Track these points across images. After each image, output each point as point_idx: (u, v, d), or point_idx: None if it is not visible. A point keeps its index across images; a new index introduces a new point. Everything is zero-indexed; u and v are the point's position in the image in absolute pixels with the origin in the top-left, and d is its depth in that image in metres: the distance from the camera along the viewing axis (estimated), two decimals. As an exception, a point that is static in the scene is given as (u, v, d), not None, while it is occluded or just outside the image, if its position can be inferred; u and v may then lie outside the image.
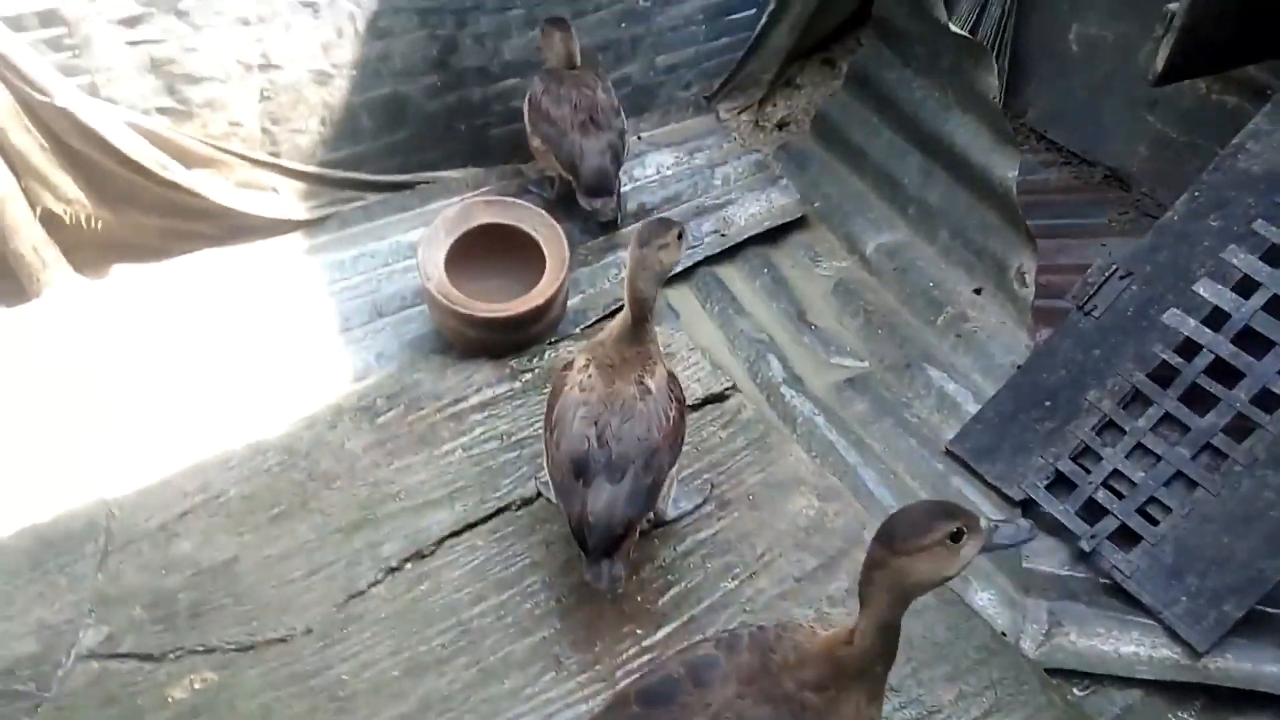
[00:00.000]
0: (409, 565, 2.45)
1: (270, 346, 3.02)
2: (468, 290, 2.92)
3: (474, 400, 2.88)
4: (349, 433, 2.78)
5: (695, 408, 2.83)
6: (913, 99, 3.50)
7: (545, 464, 2.30)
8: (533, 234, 3.03)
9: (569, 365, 2.33)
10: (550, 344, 3.06)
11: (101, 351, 2.92)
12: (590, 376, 2.24)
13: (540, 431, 2.70)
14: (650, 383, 2.23)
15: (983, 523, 1.48)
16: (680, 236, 2.23)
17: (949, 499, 2.66)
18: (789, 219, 3.59)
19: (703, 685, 1.57)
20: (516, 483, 2.63)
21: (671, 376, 2.32)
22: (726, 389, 2.88)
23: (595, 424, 2.16)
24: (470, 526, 2.53)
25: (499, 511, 2.56)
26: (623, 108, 3.38)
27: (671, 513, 2.52)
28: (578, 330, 3.17)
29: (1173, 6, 2.70)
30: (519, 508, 2.58)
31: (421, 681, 2.18)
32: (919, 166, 3.48)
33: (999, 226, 3.17)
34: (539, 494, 2.60)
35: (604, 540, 2.09)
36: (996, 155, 3.18)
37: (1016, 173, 3.08)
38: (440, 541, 2.49)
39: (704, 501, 2.56)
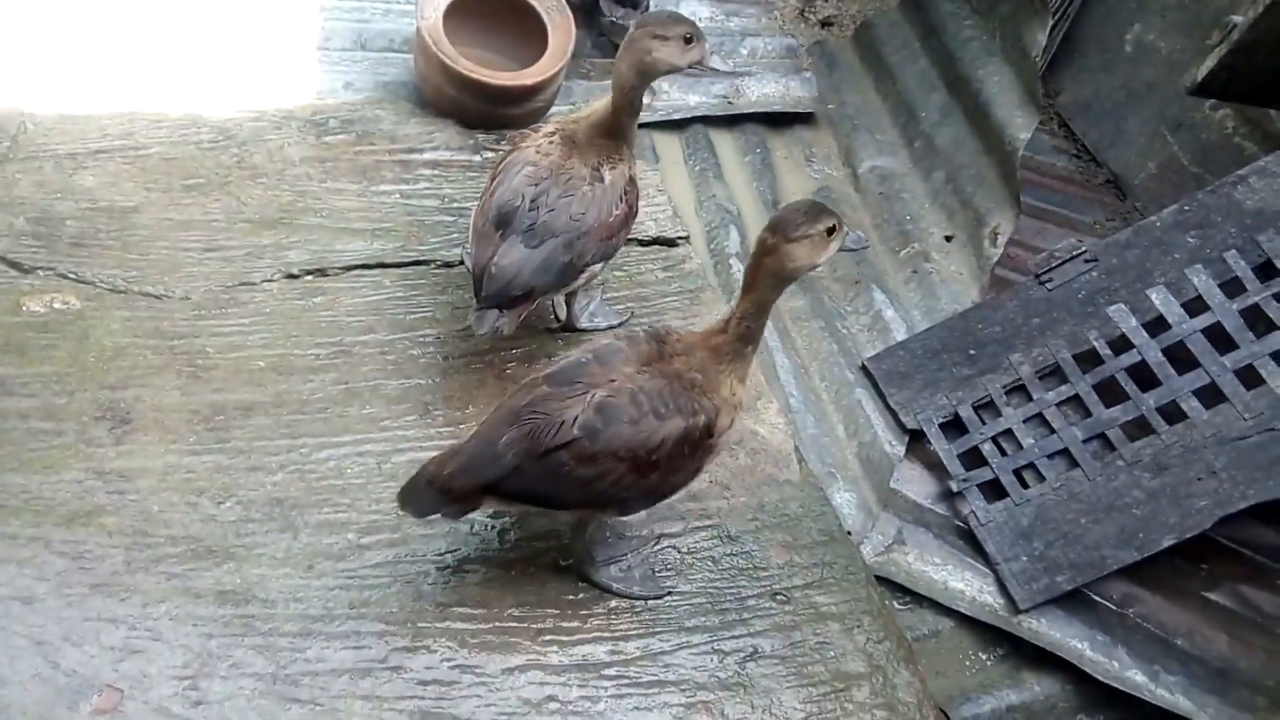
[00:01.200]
0: (309, 278, 2.37)
1: (240, 34, 2.86)
2: (460, 49, 2.78)
3: (427, 156, 2.77)
4: (292, 139, 2.66)
5: (643, 244, 2.77)
6: (959, 36, 3.41)
7: (474, 212, 2.22)
8: (543, 16, 2.89)
9: (536, 129, 2.25)
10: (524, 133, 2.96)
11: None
12: (551, 144, 2.16)
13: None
14: (607, 173, 2.16)
15: (845, 225, 1.75)
16: (688, 41, 2.13)
17: (850, 409, 2.69)
18: (799, 110, 3.50)
19: (606, 365, 1.75)
20: (444, 245, 2.56)
21: (632, 181, 2.25)
22: (679, 237, 2.83)
23: (535, 185, 2.09)
24: (383, 265, 2.46)
25: (417, 263, 2.49)
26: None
27: (585, 323, 2.48)
28: (555, 137, 3.07)
29: (1237, 19, 2.65)
30: (437, 268, 2.51)
31: (286, 380, 2.13)
32: (940, 104, 3.41)
33: (993, 183, 3.14)
34: (461, 262, 2.53)
35: (499, 293, 2.03)
36: (1018, 115, 3.13)
37: (1029, 135, 3.03)
38: (349, 268, 2.42)
39: (620, 324, 2.52)
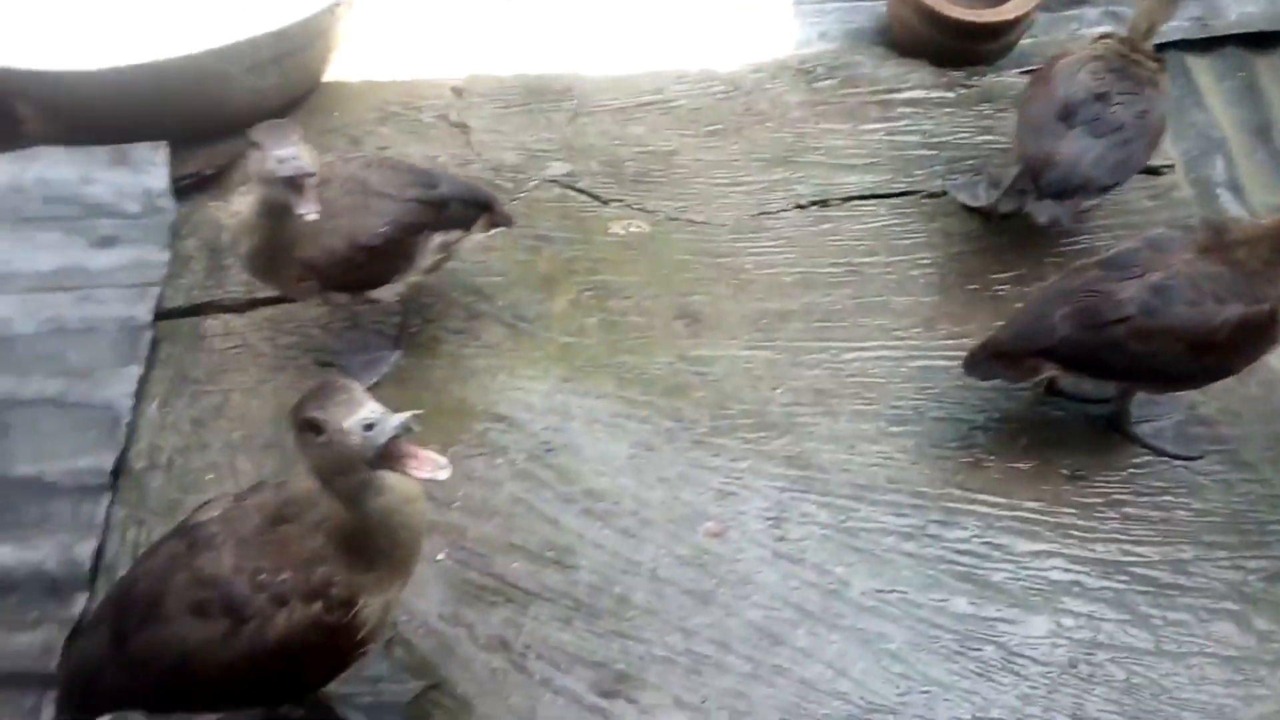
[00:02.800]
0: (815, 207, 2.71)
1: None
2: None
3: (906, 95, 3.00)
4: (787, 86, 3.02)
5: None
6: None
7: (1020, 113, 2.42)
8: (1021, -48, 2.98)
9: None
10: (994, 68, 3.09)
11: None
12: (1107, 51, 2.36)
13: (965, 139, 2.83)
14: (1161, 81, 2.33)
15: None
16: None
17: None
18: (1286, 30, 3.26)
19: (1161, 251, 1.87)
20: (929, 177, 2.78)
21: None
22: (1164, 165, 2.81)
23: (1101, 82, 2.28)
24: (876, 196, 2.73)
25: (906, 193, 2.74)
26: None
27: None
28: (1016, 73, 3.15)
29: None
30: (925, 197, 2.74)
31: (809, 292, 2.49)
32: None
33: None
34: (945, 193, 2.73)
35: (1060, 181, 2.22)
36: None
37: None
38: (847, 199, 2.73)
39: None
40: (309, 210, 1.77)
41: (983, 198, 2.63)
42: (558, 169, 2.76)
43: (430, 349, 2.35)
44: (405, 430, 1.33)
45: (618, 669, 1.86)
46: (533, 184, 2.72)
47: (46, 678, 1.80)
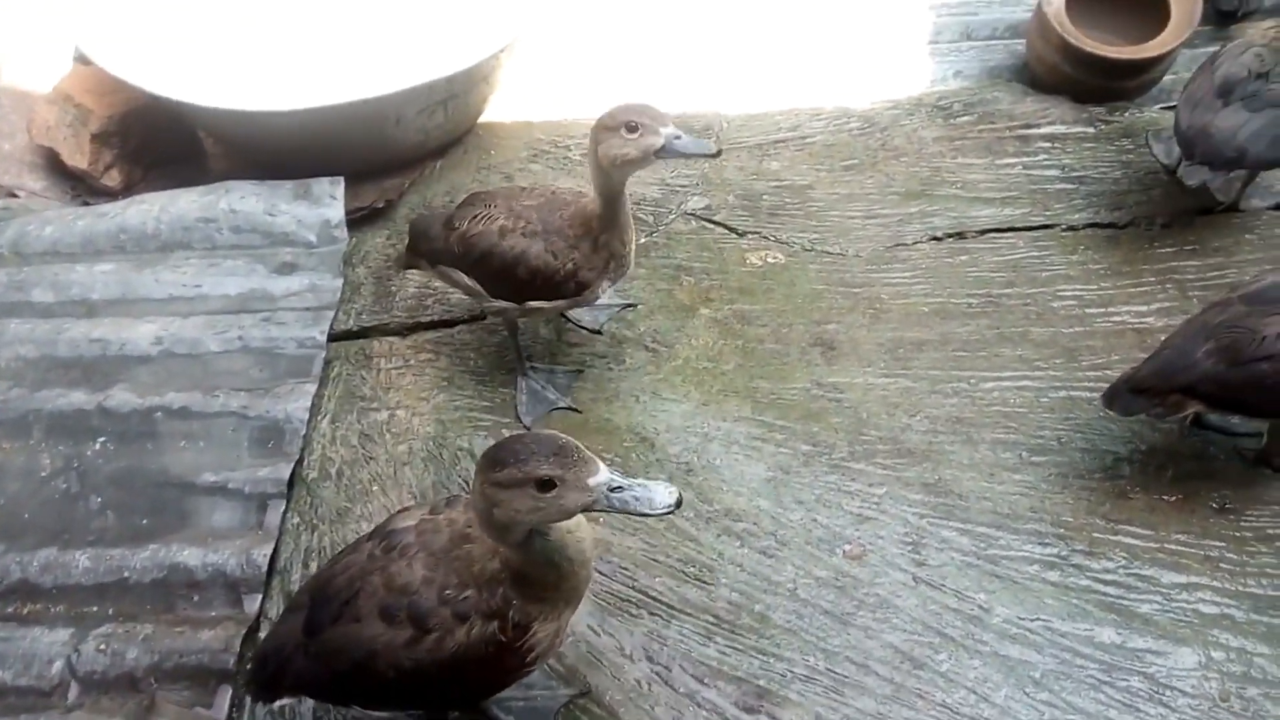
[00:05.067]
0: (951, 240, 2.74)
1: (862, 35, 3.36)
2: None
3: (1044, 130, 3.00)
4: (923, 123, 3.06)
5: None
6: None
7: (1181, 95, 2.50)
8: (1166, -10, 2.96)
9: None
10: (1135, 104, 3.06)
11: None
12: (1266, 48, 2.41)
13: (1105, 173, 2.82)
14: None
15: None
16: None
17: None
18: None
19: None
20: (1068, 210, 2.77)
21: None
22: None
23: (1261, 62, 2.35)
24: (1014, 229, 2.74)
25: (1045, 227, 2.74)
26: None
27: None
28: (1158, 108, 3.11)
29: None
30: (1064, 230, 2.73)
31: (946, 322, 2.51)
32: None
33: None
34: (1085, 226, 2.72)
35: (1213, 151, 2.29)
36: None
37: None
38: (984, 232, 2.75)
39: None
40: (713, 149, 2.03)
41: (1174, 157, 2.68)
42: (696, 203, 2.88)
43: (577, 372, 2.48)
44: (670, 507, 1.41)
45: (759, 685, 1.91)
46: (672, 217, 2.84)
47: (225, 673, 1.97)
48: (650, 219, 2.84)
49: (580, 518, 1.56)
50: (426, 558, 1.56)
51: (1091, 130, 2.99)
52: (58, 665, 1.98)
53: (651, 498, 1.40)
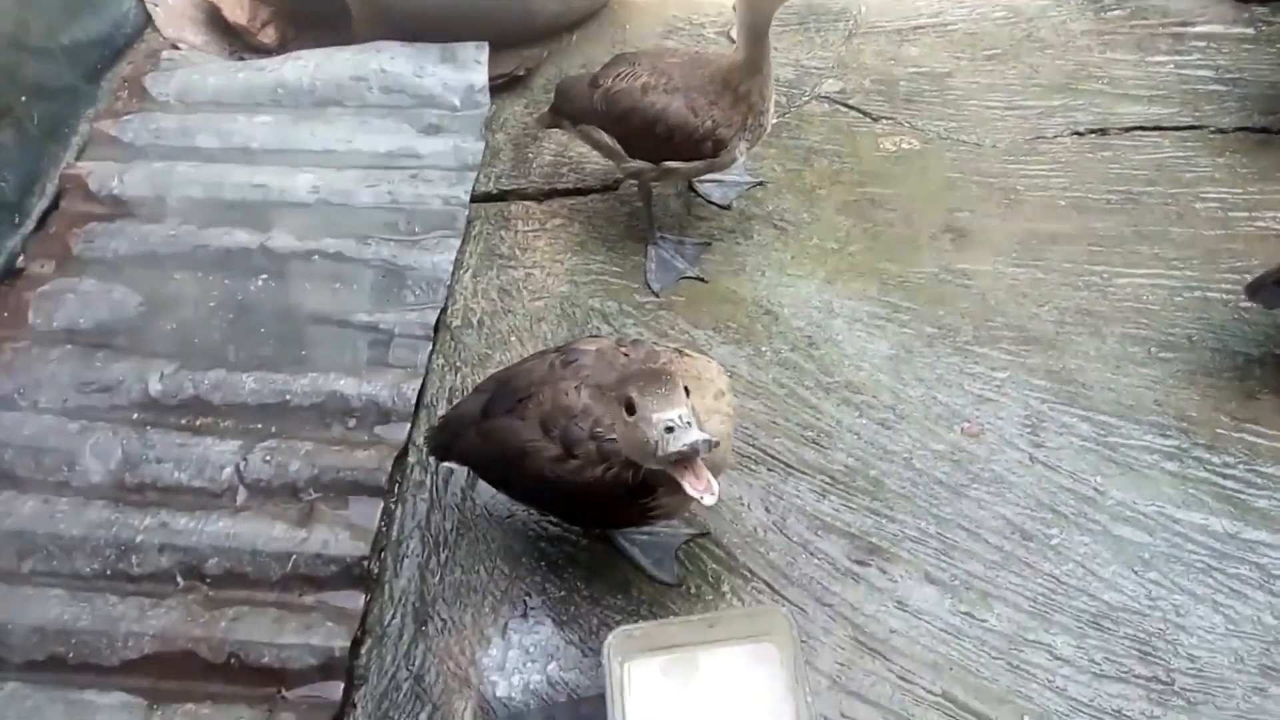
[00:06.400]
0: (1094, 135, 2.69)
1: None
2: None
3: (1202, 29, 2.89)
4: (1073, 14, 2.98)
5: None
6: None
7: None
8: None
9: None
10: (1303, 6, 2.90)
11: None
12: None
13: (1264, 76, 2.70)
14: None
15: None
16: None
17: None
18: None
19: None
20: (1219, 112, 2.68)
21: None
22: None
23: None
24: (1161, 129, 2.67)
25: (1193, 128, 2.67)
26: None
27: None
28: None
29: None
30: (1213, 133, 2.65)
31: (1083, 217, 2.49)
32: None
33: None
34: (1236, 129, 2.63)
35: None
36: None
37: None
38: (1129, 129, 2.68)
39: None
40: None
41: None
42: (831, 86, 2.88)
43: (705, 244, 2.56)
44: (701, 447, 1.35)
45: (871, 541, 2.01)
46: (806, 99, 2.85)
47: (378, 488, 2.16)
48: (784, 100, 2.84)
49: (722, 407, 1.62)
50: (592, 389, 1.68)
51: (1251, 31, 2.86)
52: (228, 471, 2.19)
53: (684, 435, 1.35)
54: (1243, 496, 2.00)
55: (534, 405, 1.70)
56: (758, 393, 2.25)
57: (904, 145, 2.70)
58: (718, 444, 1.41)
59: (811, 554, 2.01)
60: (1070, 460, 2.08)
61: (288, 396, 2.30)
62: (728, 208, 2.63)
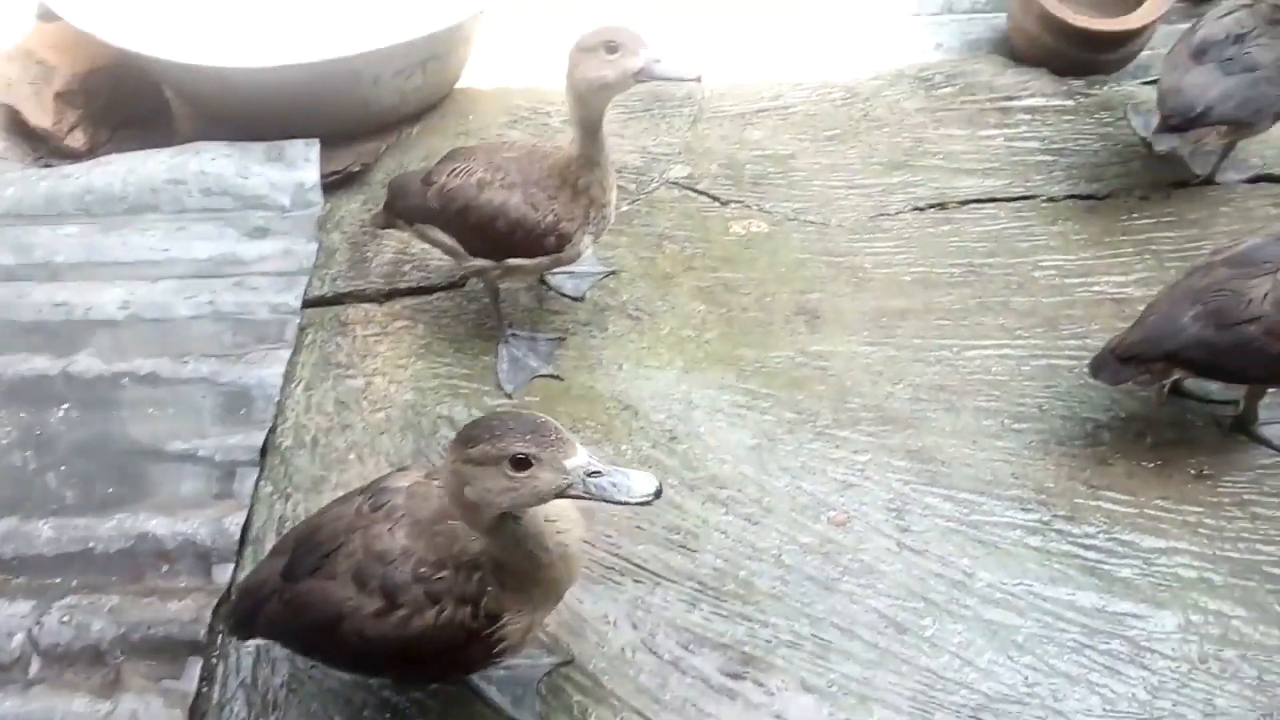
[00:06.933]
0: (934, 210, 2.73)
1: (845, 6, 3.34)
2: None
3: (1026, 103, 3.00)
4: (905, 94, 3.05)
5: (1250, 182, 2.75)
6: None
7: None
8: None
9: None
10: (1113, 79, 3.07)
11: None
12: (1248, 11, 2.43)
13: (1085, 145, 2.82)
14: None
15: None
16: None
17: None
18: None
19: None
20: (1049, 181, 2.77)
21: None
22: (1294, 171, 2.75)
23: (1241, 28, 2.38)
24: (996, 200, 2.74)
25: (1025, 198, 2.74)
26: None
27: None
28: (1137, 83, 3.12)
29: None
30: (1044, 202, 2.73)
31: (930, 292, 2.51)
32: None
33: None
34: (1065, 198, 2.72)
35: (1180, 109, 2.33)
36: None
37: None
38: (966, 202, 2.74)
39: None
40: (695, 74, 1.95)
41: (1152, 129, 2.63)
42: (679, 171, 2.85)
43: (559, 339, 2.44)
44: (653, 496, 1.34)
45: (744, 651, 1.90)
46: (654, 185, 2.81)
47: (195, 644, 1.91)
48: (632, 186, 2.80)
49: (569, 513, 1.53)
50: (411, 526, 1.52)
51: (1071, 103, 2.99)
52: (18, 639, 1.92)
53: (630, 486, 1.33)
54: (1106, 567, 1.98)
55: (343, 558, 1.52)
56: (618, 496, 2.13)
57: (753, 228, 2.68)
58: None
59: (684, 672, 1.88)
60: (937, 543, 2.03)
61: (91, 544, 2.05)
62: (581, 299, 2.54)
